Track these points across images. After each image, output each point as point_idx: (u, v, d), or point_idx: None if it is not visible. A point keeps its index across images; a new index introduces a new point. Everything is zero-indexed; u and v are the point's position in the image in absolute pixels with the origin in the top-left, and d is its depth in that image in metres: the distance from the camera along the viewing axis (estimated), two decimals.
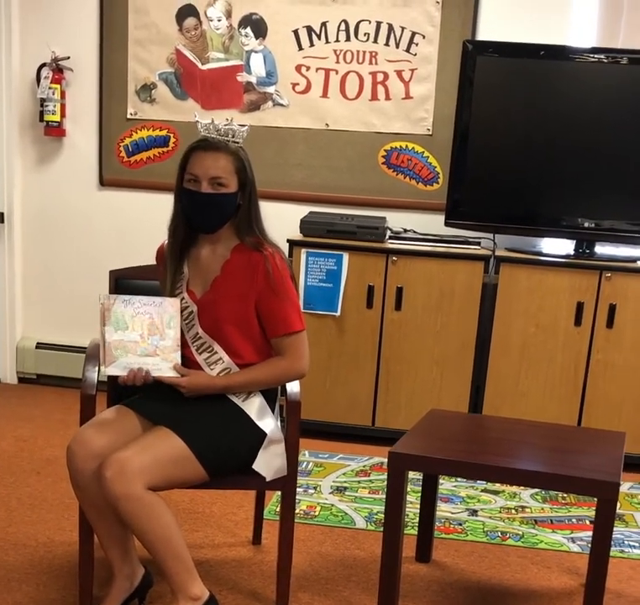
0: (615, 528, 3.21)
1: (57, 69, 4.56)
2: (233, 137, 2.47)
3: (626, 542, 3.24)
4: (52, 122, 4.59)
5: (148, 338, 2.43)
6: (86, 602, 2.52)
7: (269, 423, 2.48)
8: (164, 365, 2.44)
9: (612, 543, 2.76)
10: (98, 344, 2.52)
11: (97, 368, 2.52)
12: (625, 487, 3.77)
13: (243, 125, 2.51)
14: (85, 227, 4.79)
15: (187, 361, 2.49)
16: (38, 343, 4.88)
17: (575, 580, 2.92)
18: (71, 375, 4.69)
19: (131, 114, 4.62)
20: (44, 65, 4.56)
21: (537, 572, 2.97)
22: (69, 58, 4.57)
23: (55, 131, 4.63)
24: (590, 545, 2.39)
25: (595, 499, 2.36)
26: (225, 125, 2.47)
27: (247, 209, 2.48)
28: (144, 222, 4.64)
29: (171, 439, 2.31)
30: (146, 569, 2.53)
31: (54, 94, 4.55)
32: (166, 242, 2.56)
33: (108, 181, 4.72)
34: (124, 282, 2.78)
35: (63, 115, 4.62)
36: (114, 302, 2.43)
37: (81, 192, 4.75)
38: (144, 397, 2.48)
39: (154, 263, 2.66)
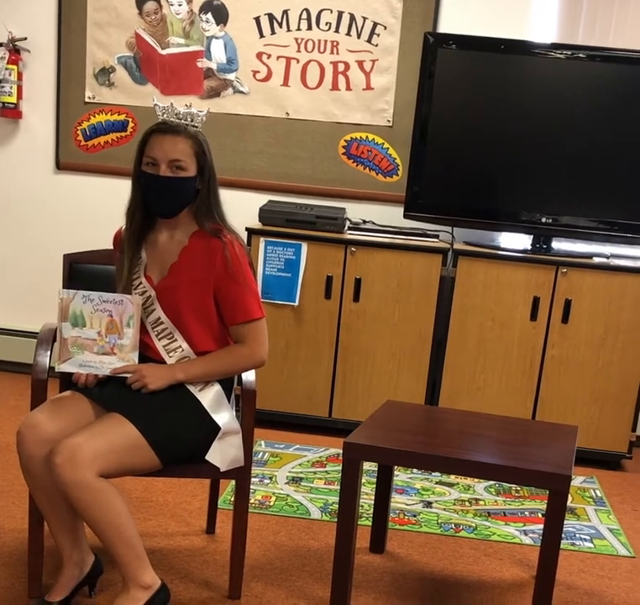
0: (566, 522, 3.25)
1: (14, 49, 4.47)
2: (191, 121, 2.45)
3: (577, 535, 3.26)
4: (8, 103, 4.51)
5: (106, 336, 2.40)
6: (36, 589, 2.49)
7: (224, 416, 2.45)
8: (119, 365, 2.41)
9: (564, 536, 2.79)
10: (50, 329, 2.49)
11: (48, 353, 2.48)
12: (577, 481, 3.80)
13: (202, 110, 2.49)
14: (40, 211, 4.71)
15: (146, 348, 2.46)
16: None
17: (527, 572, 2.94)
18: (25, 360, 4.60)
19: (89, 98, 4.54)
20: (0, 45, 4.48)
21: (490, 564, 2.99)
22: (26, 39, 4.49)
23: (11, 113, 4.55)
24: (541, 538, 2.40)
25: (548, 492, 2.37)
26: (184, 109, 2.45)
27: (206, 194, 2.45)
28: (101, 207, 4.57)
29: (124, 426, 2.27)
30: (96, 556, 2.49)
31: (10, 75, 4.47)
32: (123, 227, 2.52)
33: (65, 165, 4.64)
34: (79, 267, 2.74)
35: (20, 97, 4.54)
36: (74, 298, 2.39)
37: (36, 175, 4.68)
38: (98, 383, 2.44)
39: (111, 248, 2.62)
